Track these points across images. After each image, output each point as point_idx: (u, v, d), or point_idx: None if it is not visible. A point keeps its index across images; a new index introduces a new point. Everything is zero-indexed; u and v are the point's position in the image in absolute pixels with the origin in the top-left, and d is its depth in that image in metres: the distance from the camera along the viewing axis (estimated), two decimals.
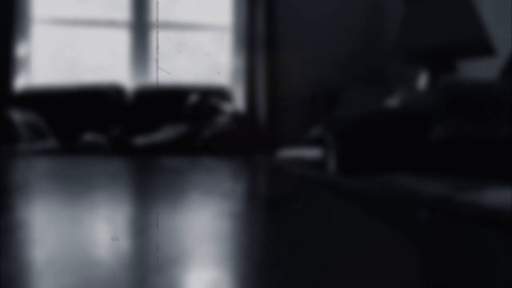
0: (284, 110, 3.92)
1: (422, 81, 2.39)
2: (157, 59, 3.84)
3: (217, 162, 1.34)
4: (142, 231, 0.39)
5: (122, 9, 4.05)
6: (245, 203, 0.57)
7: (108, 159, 1.48)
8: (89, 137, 2.91)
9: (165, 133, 3.33)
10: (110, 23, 4.01)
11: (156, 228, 0.40)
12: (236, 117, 3.30)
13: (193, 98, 3.47)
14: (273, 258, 0.31)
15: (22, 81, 3.60)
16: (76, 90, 3.52)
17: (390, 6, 3.94)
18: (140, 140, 3.19)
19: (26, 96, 3.45)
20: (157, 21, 3.90)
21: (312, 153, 3.00)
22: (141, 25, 3.96)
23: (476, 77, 1.74)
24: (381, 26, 4.06)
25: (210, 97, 3.49)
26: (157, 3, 3.85)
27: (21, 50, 3.58)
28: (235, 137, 3.12)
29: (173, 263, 0.29)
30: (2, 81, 3.47)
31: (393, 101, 2.30)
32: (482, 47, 2.20)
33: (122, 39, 4.04)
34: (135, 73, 3.96)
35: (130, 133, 3.38)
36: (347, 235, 0.40)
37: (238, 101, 3.83)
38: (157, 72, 3.96)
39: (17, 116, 2.98)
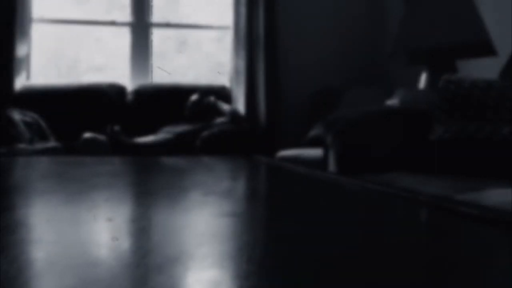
0: (284, 110, 3.92)
1: (423, 81, 2.39)
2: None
3: (216, 162, 1.34)
4: (142, 231, 0.39)
5: (123, 9, 4.05)
6: (244, 202, 0.57)
7: (108, 159, 1.49)
8: (88, 134, 2.91)
9: (166, 134, 3.33)
10: (111, 23, 4.01)
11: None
12: (236, 117, 3.30)
13: (194, 97, 3.47)
14: (274, 258, 0.31)
15: (22, 81, 3.60)
16: (76, 90, 3.52)
17: (390, 6, 3.94)
18: (141, 140, 3.19)
19: (26, 96, 3.45)
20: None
21: (312, 153, 3.00)
22: (141, 25, 3.96)
23: (476, 77, 1.74)
24: (381, 26, 4.07)
25: (209, 96, 3.49)
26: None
27: (21, 50, 3.58)
28: (234, 137, 3.12)
29: (173, 263, 0.29)
30: (2, 81, 3.47)
31: (393, 101, 2.30)
32: (482, 47, 2.20)
33: (122, 39, 4.05)
34: (135, 73, 3.96)
35: (131, 133, 3.38)
36: (346, 234, 0.40)
37: (238, 101, 3.83)
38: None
39: (17, 116, 2.98)
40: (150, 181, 0.82)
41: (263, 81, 3.81)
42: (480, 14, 2.27)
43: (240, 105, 3.83)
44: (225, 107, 3.38)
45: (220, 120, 3.33)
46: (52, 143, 3.07)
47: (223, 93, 3.75)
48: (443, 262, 0.31)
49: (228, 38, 4.11)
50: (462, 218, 0.47)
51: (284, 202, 0.62)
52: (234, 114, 3.32)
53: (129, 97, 3.63)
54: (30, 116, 3.10)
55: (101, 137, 2.94)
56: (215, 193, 0.63)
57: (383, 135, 1.78)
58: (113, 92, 3.58)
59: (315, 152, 2.98)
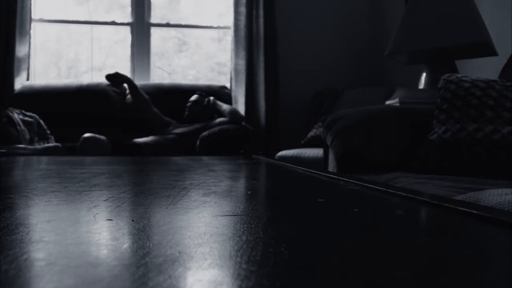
0: (284, 110, 3.92)
1: (423, 81, 2.39)
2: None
3: (216, 162, 1.34)
4: (142, 231, 0.39)
5: (123, 9, 4.05)
6: (244, 202, 0.57)
7: (108, 159, 1.48)
8: (88, 134, 2.91)
9: (166, 134, 3.33)
10: (111, 23, 4.01)
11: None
12: (236, 117, 3.30)
13: (194, 97, 3.47)
14: (274, 258, 0.31)
15: (22, 81, 3.60)
16: (76, 90, 3.52)
17: (390, 6, 3.94)
18: (142, 140, 3.19)
19: (26, 96, 3.45)
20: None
21: (311, 153, 3.00)
22: (141, 25, 3.96)
23: (476, 77, 1.74)
24: (381, 26, 4.06)
25: (209, 96, 3.49)
26: None
27: (21, 50, 3.58)
28: (234, 137, 3.12)
29: (173, 263, 0.29)
30: (2, 81, 3.47)
31: (393, 101, 2.30)
32: (482, 47, 2.20)
33: (122, 39, 4.04)
34: (135, 73, 3.96)
35: (131, 133, 3.38)
36: (346, 234, 0.40)
37: (238, 101, 3.83)
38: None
39: (17, 116, 2.98)
40: (150, 181, 0.82)
41: (263, 81, 3.81)
42: (480, 15, 2.27)
43: (240, 105, 3.83)
44: (224, 107, 3.38)
45: (220, 120, 3.33)
46: (52, 143, 3.07)
47: (223, 93, 3.75)
48: (443, 262, 0.31)
49: (228, 38, 4.11)
50: (462, 218, 0.47)
51: (284, 201, 0.62)
52: (234, 114, 3.32)
53: (129, 96, 3.63)
54: (30, 116, 3.10)
55: (101, 136, 2.94)
56: (215, 193, 0.63)
57: (383, 135, 1.78)
58: (113, 92, 3.58)
59: (315, 152, 2.98)
